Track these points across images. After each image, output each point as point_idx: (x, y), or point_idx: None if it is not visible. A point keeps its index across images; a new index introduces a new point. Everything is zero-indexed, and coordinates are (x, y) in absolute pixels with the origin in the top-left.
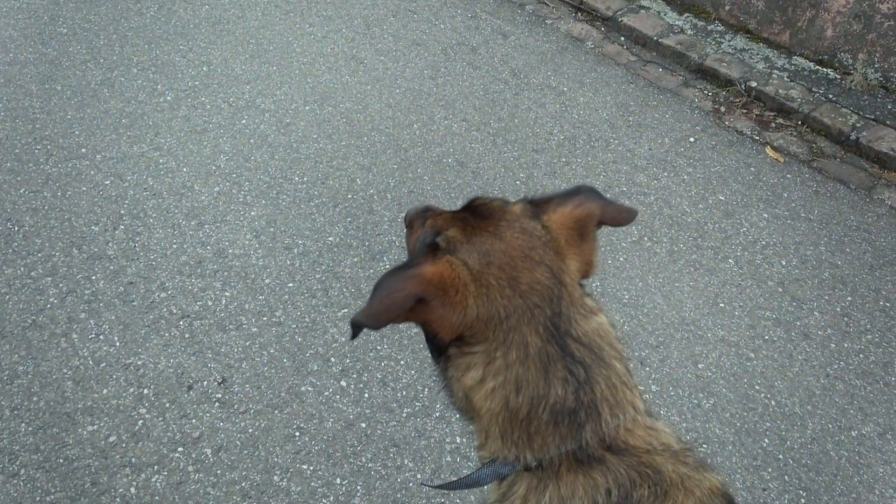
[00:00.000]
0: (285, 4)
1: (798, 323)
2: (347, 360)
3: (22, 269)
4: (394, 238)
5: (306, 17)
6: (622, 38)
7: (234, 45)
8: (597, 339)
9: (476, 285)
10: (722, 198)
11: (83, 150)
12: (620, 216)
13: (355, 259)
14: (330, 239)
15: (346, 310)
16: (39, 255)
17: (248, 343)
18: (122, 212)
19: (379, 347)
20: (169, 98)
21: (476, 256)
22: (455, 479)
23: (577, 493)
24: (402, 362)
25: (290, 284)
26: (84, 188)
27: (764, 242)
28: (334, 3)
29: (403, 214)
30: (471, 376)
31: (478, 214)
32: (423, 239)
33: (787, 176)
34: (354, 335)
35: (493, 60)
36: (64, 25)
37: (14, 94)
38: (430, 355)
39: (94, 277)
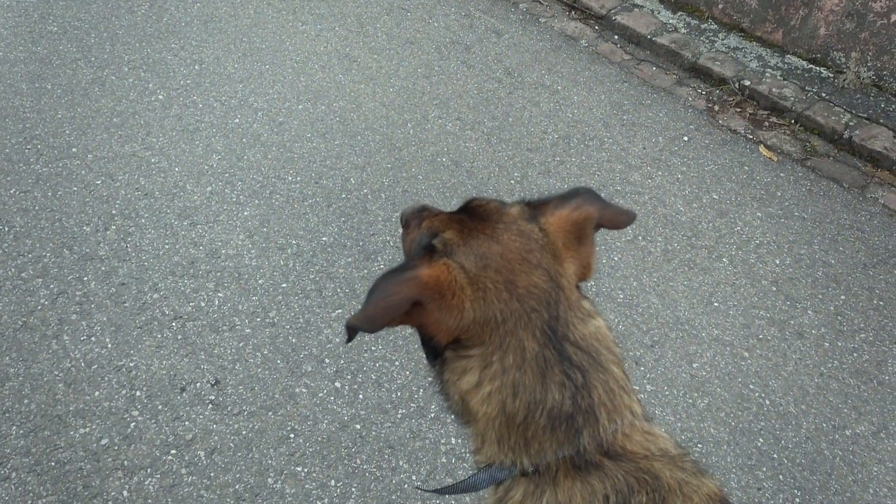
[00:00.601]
0: (278, 2)
1: (792, 322)
2: (342, 362)
3: (12, 270)
4: (388, 238)
5: (299, 16)
6: (616, 37)
7: (227, 43)
8: (594, 342)
9: (473, 289)
10: (716, 196)
11: (74, 149)
12: (618, 219)
13: (349, 259)
14: (324, 239)
15: (340, 310)
16: (30, 255)
17: (241, 344)
18: (114, 212)
19: (373, 348)
20: (161, 97)
21: (473, 259)
22: (451, 482)
23: (575, 499)
24: (396, 363)
25: (284, 285)
26: (75, 188)
27: (758, 241)
28: (327, 2)
29: (399, 214)
30: (467, 380)
31: (475, 216)
32: (420, 241)
33: (781, 175)
34: (350, 338)
35: (486, 59)
36: (54, 23)
37: (4, 94)
38: (425, 358)
39: (85, 278)
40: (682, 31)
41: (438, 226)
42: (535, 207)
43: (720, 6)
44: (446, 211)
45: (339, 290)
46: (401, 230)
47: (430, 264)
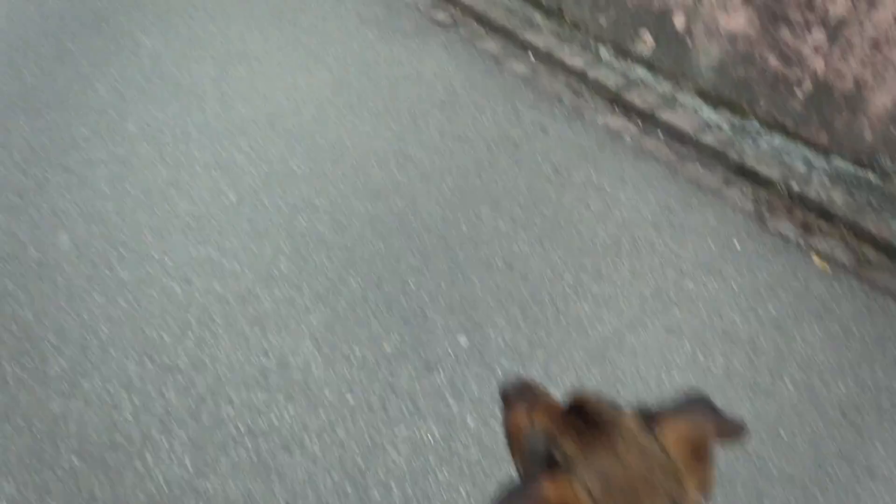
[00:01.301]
0: (335, 98)
1: (861, 457)
2: (407, 488)
3: (98, 381)
4: (448, 347)
5: (357, 112)
6: (660, 133)
7: (291, 142)
8: None
9: None
10: (772, 310)
11: (154, 253)
12: (734, 433)
13: (411, 370)
14: (386, 347)
15: (402, 425)
16: (114, 366)
17: (312, 466)
18: (191, 318)
19: (438, 474)
20: (232, 198)
21: (595, 478)
22: None
23: None
24: (462, 492)
25: (350, 399)
26: (154, 293)
27: (819, 361)
28: (382, 97)
29: (499, 389)
30: None
31: (589, 422)
32: (534, 444)
33: (835, 287)
34: None
35: (534, 155)
36: (133, 124)
37: (88, 197)
38: None
39: (165, 392)
40: (726, 129)
41: (553, 429)
42: (650, 417)
43: (763, 106)
44: (553, 399)
45: (402, 405)
46: (502, 404)
47: (554, 480)
